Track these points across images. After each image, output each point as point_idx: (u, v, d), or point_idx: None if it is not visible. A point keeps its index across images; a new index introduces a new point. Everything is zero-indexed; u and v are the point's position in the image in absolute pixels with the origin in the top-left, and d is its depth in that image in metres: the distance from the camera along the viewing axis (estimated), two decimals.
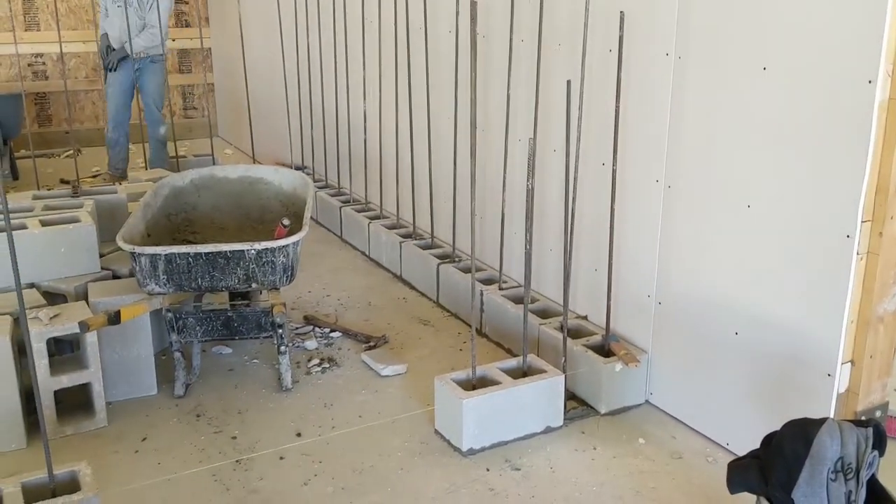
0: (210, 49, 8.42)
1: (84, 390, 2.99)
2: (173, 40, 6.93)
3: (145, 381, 3.21)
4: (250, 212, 3.82)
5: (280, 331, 3.20)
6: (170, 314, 3.13)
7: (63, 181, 6.51)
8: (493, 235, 3.83)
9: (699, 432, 2.93)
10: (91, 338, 2.88)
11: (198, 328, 3.18)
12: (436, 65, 4.12)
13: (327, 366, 3.48)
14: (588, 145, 3.17)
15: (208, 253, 3.00)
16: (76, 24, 7.40)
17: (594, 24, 3.07)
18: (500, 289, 3.71)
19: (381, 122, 4.75)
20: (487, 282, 3.82)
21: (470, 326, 3.80)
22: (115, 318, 2.85)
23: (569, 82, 2.86)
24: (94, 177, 6.55)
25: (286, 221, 3.41)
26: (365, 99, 4.87)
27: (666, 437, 2.93)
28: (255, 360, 3.55)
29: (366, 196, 5.18)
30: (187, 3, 8.29)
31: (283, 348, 3.24)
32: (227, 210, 3.80)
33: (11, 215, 3.45)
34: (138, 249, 2.98)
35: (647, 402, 3.13)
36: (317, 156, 5.70)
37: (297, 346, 3.63)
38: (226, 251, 3.01)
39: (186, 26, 8.30)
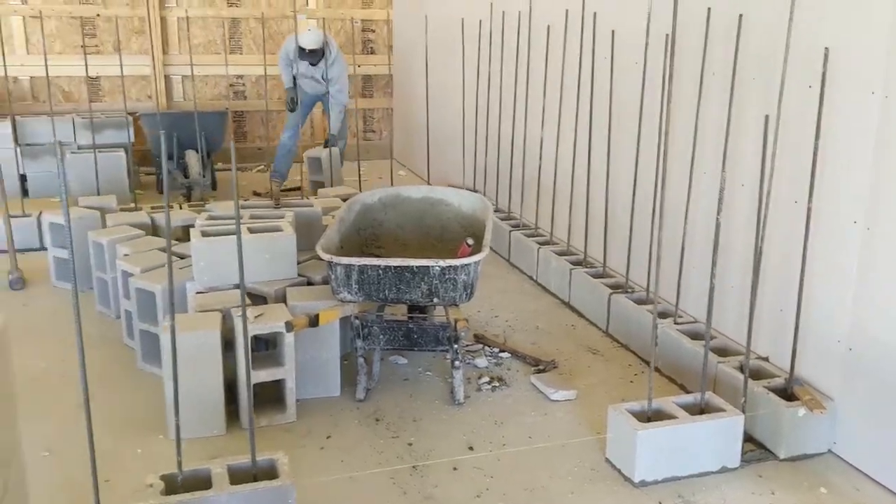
0: (391, 75, 8.82)
1: (277, 386, 3.22)
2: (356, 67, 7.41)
3: (330, 383, 3.42)
4: (431, 230, 3.98)
5: (456, 346, 3.32)
6: (357, 321, 3.32)
7: (255, 193, 7.02)
8: (668, 268, 3.80)
9: (887, 487, 2.78)
10: (289, 338, 3.11)
11: (381, 337, 3.35)
12: (620, 94, 4.15)
13: (497, 385, 3.56)
14: (780, 181, 3.10)
15: (397, 266, 3.17)
16: (274, 48, 7.96)
17: (793, 58, 3.01)
18: (676, 323, 3.68)
19: (557, 148, 4.83)
20: (662, 315, 3.79)
21: (642, 359, 3.81)
22: (314, 321, 3.06)
23: (767, 118, 2.82)
24: (291, 190, 7.01)
25: (470, 241, 3.54)
26: (543, 126, 4.96)
27: (850, 488, 2.80)
28: (428, 373, 3.69)
29: (536, 221, 5.26)
30: (374, 31, 8.74)
31: (457, 363, 3.36)
32: (410, 228, 3.99)
33: (221, 222, 3.78)
34: (335, 259, 3.18)
35: (829, 451, 3.00)
36: (489, 180, 5.85)
37: (468, 363, 3.74)
38: (413, 266, 3.16)
39: (371, 53, 8.74)
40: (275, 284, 3.57)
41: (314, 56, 6.58)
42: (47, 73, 5.89)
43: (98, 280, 4.37)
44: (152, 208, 5.06)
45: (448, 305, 3.31)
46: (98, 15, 7.83)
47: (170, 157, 6.70)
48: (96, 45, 7.89)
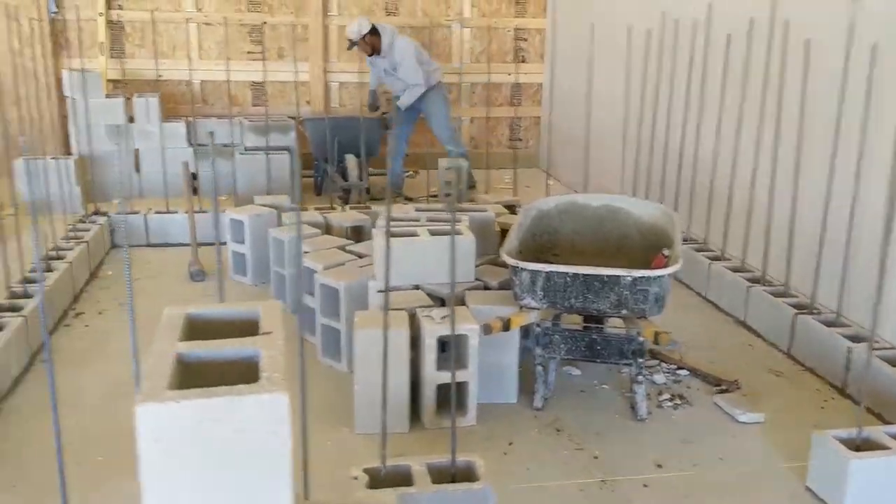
0: (541, 84, 8.79)
1: (459, 389, 3.22)
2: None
3: (508, 389, 3.40)
4: (609, 239, 3.90)
5: (640, 360, 3.23)
6: (539, 329, 3.29)
7: (407, 199, 7.11)
8: (860, 289, 3.58)
9: None
10: (474, 340, 3.11)
11: (562, 346, 3.30)
12: (812, 107, 3.95)
13: (678, 402, 3.45)
14: None
15: (586, 275, 3.11)
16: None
17: None
18: (873, 348, 3.45)
19: (735, 161, 4.65)
20: (854, 339, 3.58)
21: (831, 384, 3.60)
22: (506, 326, 3.05)
23: None
24: (434, 196, 7.08)
25: (666, 252, 3.44)
26: (718, 137, 4.80)
27: None
28: (604, 386, 3.61)
29: (706, 235, 5.08)
30: (526, 39, 8.74)
31: (640, 377, 3.27)
32: (586, 235, 3.92)
33: (398, 224, 3.83)
34: (522, 264, 3.16)
35: None
36: (651, 191, 5.70)
37: (647, 378, 3.64)
38: (603, 275, 3.10)
39: (522, 62, 8.73)
40: (456, 286, 3.58)
41: (365, 47, 6.82)
42: (228, 77, 6.17)
43: (275, 275, 4.52)
44: (316, 209, 5.21)
45: (637, 318, 3.23)
46: (265, 23, 8.16)
47: (328, 160, 6.90)
48: (261, 52, 8.22)
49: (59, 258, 4.62)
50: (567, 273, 3.13)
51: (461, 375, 3.15)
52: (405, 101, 6.88)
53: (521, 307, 3.26)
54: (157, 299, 4.61)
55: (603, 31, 6.45)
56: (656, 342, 3.14)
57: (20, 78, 7.56)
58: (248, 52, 8.25)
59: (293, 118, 7.59)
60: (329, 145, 6.49)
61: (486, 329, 2.97)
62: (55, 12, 7.68)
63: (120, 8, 7.81)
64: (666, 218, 3.77)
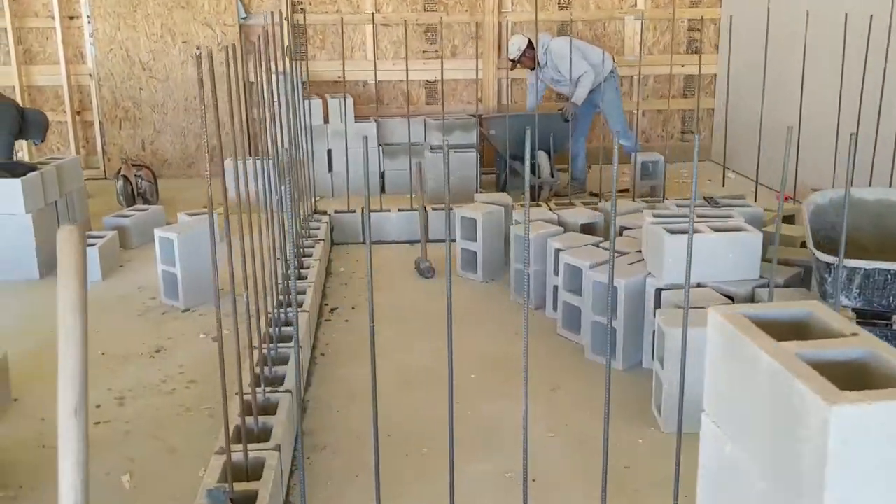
0: (714, 75, 8.57)
1: None
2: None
3: None
4: (891, 234, 3.76)
5: None
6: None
7: (592, 194, 7.05)
8: None
9: None
10: None
11: None
12: None
13: None
14: None
15: None
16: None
17: None
18: None
19: None
20: None
21: None
22: None
23: None
24: (622, 191, 7.01)
25: None
26: None
27: None
28: None
29: None
30: (699, 30, 8.54)
31: None
32: (865, 230, 3.78)
33: (674, 220, 3.79)
34: (839, 261, 3.06)
35: None
36: (878, 184, 5.46)
37: None
38: None
39: (695, 52, 8.54)
40: (742, 285, 3.51)
41: (528, 62, 6.92)
42: (407, 77, 6.25)
43: (516, 272, 4.54)
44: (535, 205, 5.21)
45: None
46: (440, 21, 8.25)
47: (515, 158, 6.91)
48: (436, 51, 8.31)
49: (305, 255, 4.78)
50: (889, 270, 3.02)
51: None
52: (580, 93, 6.77)
53: (833, 307, 3.16)
54: (395, 294, 4.72)
55: (796, 17, 6.22)
56: None
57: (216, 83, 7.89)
58: (424, 52, 8.36)
59: (473, 115, 7.66)
60: (514, 142, 6.48)
61: None
62: (244, 18, 7.97)
63: (303, 11, 8.03)
64: None
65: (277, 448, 2.67)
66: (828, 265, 3.10)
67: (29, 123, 5.94)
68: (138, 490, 2.86)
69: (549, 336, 4.13)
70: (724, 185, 7.19)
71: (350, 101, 7.29)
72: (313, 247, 4.95)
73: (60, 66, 7.87)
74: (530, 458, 2.99)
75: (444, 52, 8.31)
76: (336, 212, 5.97)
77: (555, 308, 4.29)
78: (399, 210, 5.91)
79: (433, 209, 5.76)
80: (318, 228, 5.40)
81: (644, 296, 3.66)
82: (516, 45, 6.85)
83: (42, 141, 6.23)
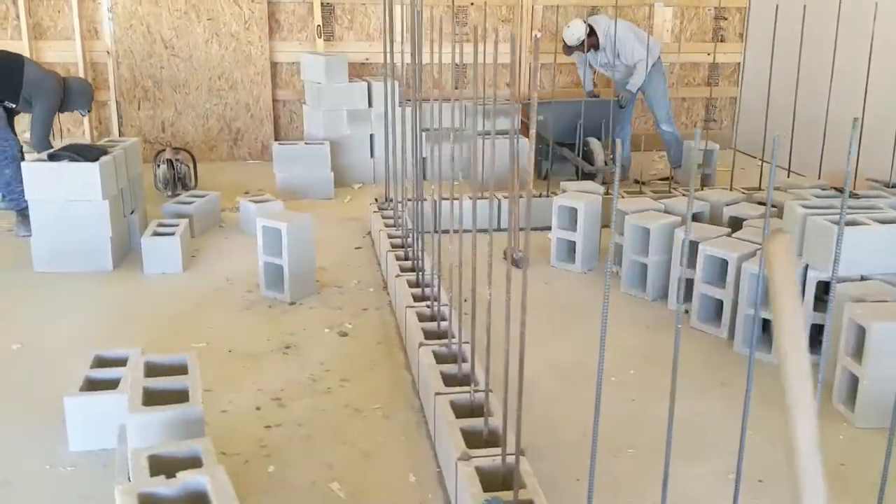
0: (738, 63, 8.64)
1: None
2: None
3: None
4: None
5: None
6: None
7: (636, 181, 7.00)
8: None
9: None
10: None
11: None
12: None
13: None
14: None
15: None
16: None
17: None
18: None
19: None
20: None
21: None
22: None
23: None
24: (662, 179, 6.98)
25: None
26: None
27: None
28: None
29: None
30: (726, 18, 8.58)
31: None
32: None
33: (824, 210, 3.76)
34: None
35: None
36: None
37: None
38: None
39: (721, 41, 8.58)
40: None
41: (584, 48, 6.77)
42: (439, 60, 6.09)
43: (631, 262, 4.46)
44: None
45: None
46: (472, 3, 8.08)
47: (562, 144, 6.84)
48: (466, 34, 8.14)
49: (404, 246, 4.62)
50: None
51: None
52: (636, 81, 6.75)
53: None
54: (498, 287, 4.53)
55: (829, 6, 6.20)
56: None
57: (241, 62, 7.57)
58: (455, 34, 8.16)
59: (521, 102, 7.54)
60: (565, 129, 6.40)
61: None
62: None
63: None
64: None
65: (523, 453, 2.53)
66: None
67: (72, 94, 5.58)
68: (355, 499, 2.68)
69: (685, 328, 4.06)
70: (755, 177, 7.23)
71: (395, 84, 7.07)
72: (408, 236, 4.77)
73: (75, 41, 7.41)
74: (745, 459, 2.94)
75: (476, 35, 8.14)
76: (408, 200, 5.77)
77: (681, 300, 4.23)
78: (469, 198, 5.74)
79: (496, 197, 5.61)
80: (399, 217, 5.21)
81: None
82: (576, 33, 6.71)
83: (89, 111, 5.89)
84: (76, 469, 2.80)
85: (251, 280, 4.58)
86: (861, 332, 3.15)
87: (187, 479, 1.72)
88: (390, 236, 4.83)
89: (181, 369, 2.60)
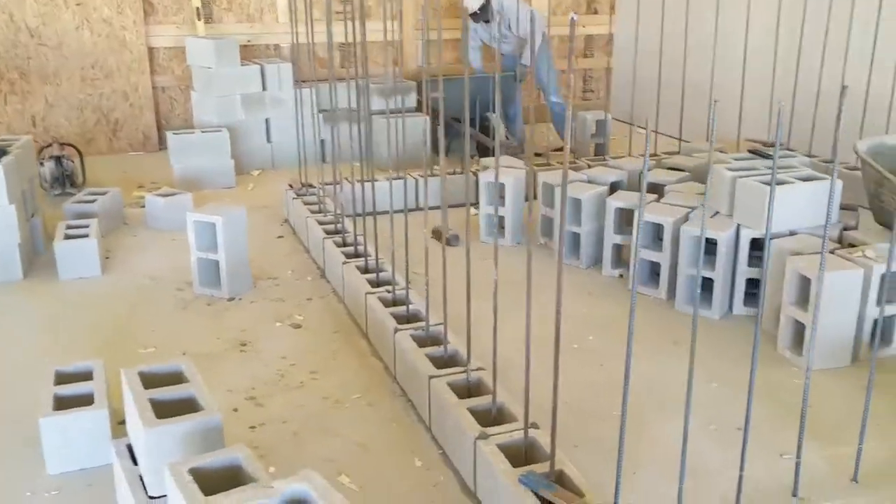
0: (612, 34, 8.98)
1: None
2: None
3: None
4: None
5: None
6: None
7: (536, 154, 7.16)
8: None
9: None
10: None
11: None
12: None
13: None
14: None
15: None
16: None
17: None
18: None
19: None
20: None
21: None
22: None
23: None
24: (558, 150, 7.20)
25: None
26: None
27: None
28: None
29: None
30: None
31: None
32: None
33: (749, 173, 4.01)
34: None
35: None
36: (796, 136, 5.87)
37: None
38: None
39: (595, 13, 8.89)
40: (830, 229, 3.81)
41: (484, 15, 6.80)
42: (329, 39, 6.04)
43: (570, 235, 4.55)
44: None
45: None
46: None
47: (458, 120, 6.91)
48: (349, 11, 8.01)
49: (336, 232, 4.55)
50: None
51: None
52: (529, 54, 6.89)
53: None
54: (436, 267, 4.50)
55: None
56: None
57: (115, 49, 7.12)
58: (337, 13, 8.01)
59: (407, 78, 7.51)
60: (460, 105, 6.47)
61: None
62: None
63: None
64: None
65: (536, 426, 2.59)
66: None
67: None
68: (366, 490, 2.66)
69: (621, 293, 4.23)
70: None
71: (288, 67, 6.89)
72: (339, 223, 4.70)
73: None
74: (717, 409, 3.13)
75: (359, 13, 8.02)
76: (326, 184, 5.67)
77: (616, 266, 4.42)
78: (386, 179, 5.72)
79: (420, 176, 5.62)
80: (323, 203, 5.12)
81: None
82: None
83: None
84: (61, 493, 2.61)
85: (178, 278, 4.38)
86: (804, 283, 3.40)
87: (284, 489, 1.66)
88: (321, 223, 4.74)
89: (178, 377, 2.48)
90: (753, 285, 3.89)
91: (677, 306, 4.02)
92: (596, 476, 2.43)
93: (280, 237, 5.20)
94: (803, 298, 3.43)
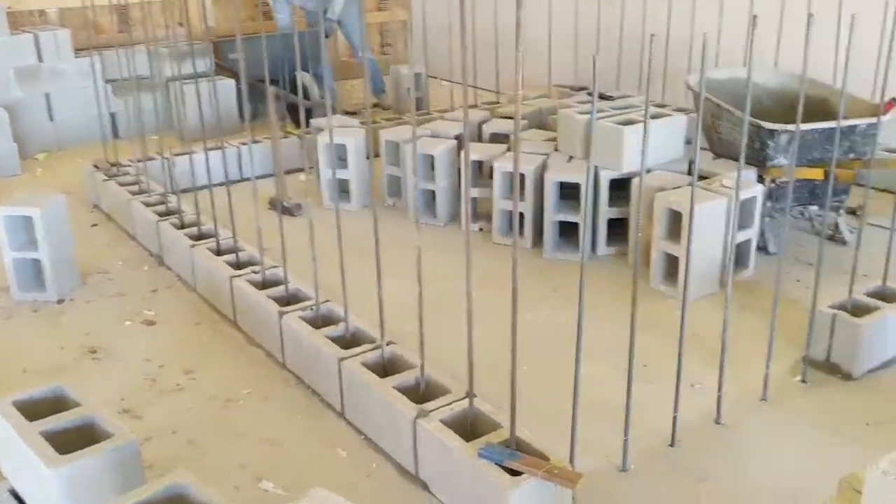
0: None
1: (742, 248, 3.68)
2: None
3: None
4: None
5: (845, 196, 3.95)
6: (773, 185, 3.83)
7: (346, 112, 6.92)
8: None
9: None
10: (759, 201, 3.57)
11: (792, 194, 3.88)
12: None
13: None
14: None
15: (832, 128, 3.69)
16: None
17: None
18: None
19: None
20: None
21: None
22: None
23: None
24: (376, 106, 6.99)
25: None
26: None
27: None
28: None
29: None
30: None
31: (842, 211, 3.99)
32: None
33: (603, 115, 4.06)
34: (782, 127, 3.66)
35: None
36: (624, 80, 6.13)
37: None
38: (845, 126, 3.70)
39: None
40: (680, 163, 3.96)
41: None
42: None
43: (423, 192, 4.39)
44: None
45: (861, 161, 3.85)
46: None
47: (273, 82, 6.50)
48: None
49: (170, 213, 4.09)
50: (817, 129, 3.69)
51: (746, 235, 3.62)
52: (337, 7, 6.61)
53: (767, 167, 3.77)
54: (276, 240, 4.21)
55: None
56: None
57: None
58: None
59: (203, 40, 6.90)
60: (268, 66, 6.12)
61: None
62: None
63: None
64: (794, 80, 4.43)
65: (469, 395, 2.44)
66: (771, 132, 3.68)
67: None
68: (296, 491, 2.38)
69: (485, 246, 4.15)
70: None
71: (65, 34, 6.09)
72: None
73: None
74: (620, 351, 3.15)
75: None
76: (138, 161, 5.07)
77: (475, 220, 4.35)
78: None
79: (253, 142, 5.20)
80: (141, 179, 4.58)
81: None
82: None
83: None
84: None
85: None
86: (675, 216, 3.50)
87: None
88: (148, 204, 4.23)
89: (63, 402, 2.06)
90: (619, 224, 3.97)
91: (546, 254, 4.02)
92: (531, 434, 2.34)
93: (95, 225, 4.62)
94: (674, 232, 3.54)
